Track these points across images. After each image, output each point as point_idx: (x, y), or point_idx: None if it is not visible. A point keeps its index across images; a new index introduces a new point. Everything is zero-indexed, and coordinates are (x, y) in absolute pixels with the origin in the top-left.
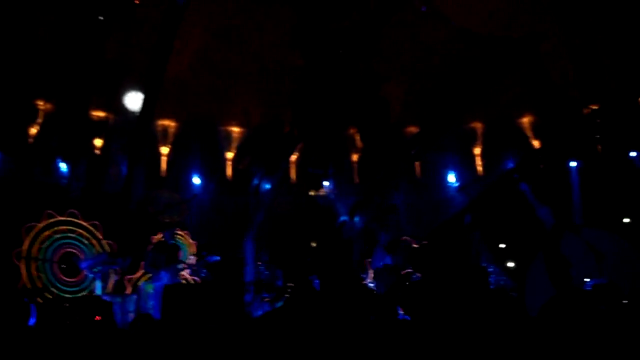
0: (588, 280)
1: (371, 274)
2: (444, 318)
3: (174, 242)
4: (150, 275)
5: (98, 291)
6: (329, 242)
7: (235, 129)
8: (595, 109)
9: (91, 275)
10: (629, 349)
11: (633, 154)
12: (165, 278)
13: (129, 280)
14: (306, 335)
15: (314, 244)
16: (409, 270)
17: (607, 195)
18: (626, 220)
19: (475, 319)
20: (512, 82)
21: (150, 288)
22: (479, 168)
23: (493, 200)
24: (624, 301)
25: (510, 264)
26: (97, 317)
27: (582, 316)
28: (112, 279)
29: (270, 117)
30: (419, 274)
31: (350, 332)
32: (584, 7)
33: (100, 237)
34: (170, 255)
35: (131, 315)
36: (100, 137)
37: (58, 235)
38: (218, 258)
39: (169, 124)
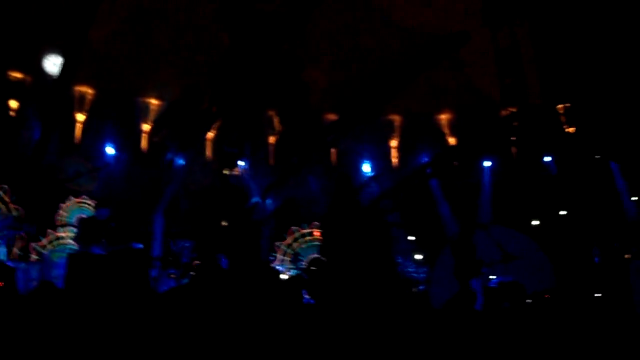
0: (494, 277)
1: (280, 256)
2: (348, 304)
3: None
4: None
5: (2, 256)
6: (239, 222)
7: (154, 101)
8: (513, 112)
9: None
10: (528, 345)
11: (547, 158)
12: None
13: (34, 247)
14: (209, 313)
15: (224, 223)
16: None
17: (519, 197)
18: (535, 222)
19: (379, 307)
20: (433, 78)
21: (56, 257)
22: (394, 160)
23: (405, 193)
24: (528, 300)
25: (419, 257)
26: (0, 283)
27: (486, 312)
28: (18, 244)
29: (189, 91)
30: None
31: (253, 313)
32: (510, 10)
33: (8, 200)
34: (101, 232)
35: (34, 283)
36: (15, 99)
37: None
38: (141, 246)
39: (87, 90)
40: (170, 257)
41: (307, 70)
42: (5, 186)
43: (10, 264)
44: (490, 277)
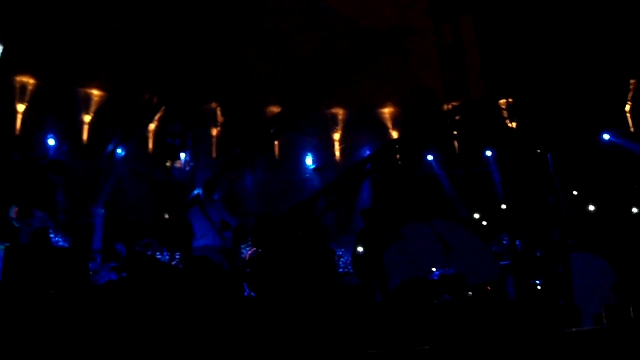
0: (435, 270)
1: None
2: (289, 296)
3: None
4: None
5: None
6: (181, 215)
7: (95, 92)
8: (456, 106)
9: None
10: (470, 338)
11: (489, 153)
12: (38, 219)
13: None
14: (149, 305)
15: (167, 216)
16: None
17: (458, 190)
18: (476, 215)
19: (318, 299)
20: (377, 72)
21: None
22: (337, 153)
23: (344, 187)
24: (469, 293)
25: (360, 249)
26: None
27: (428, 304)
28: None
29: (131, 83)
30: None
31: (194, 306)
32: (455, 5)
33: None
34: (50, 192)
35: None
36: None
37: None
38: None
39: (28, 80)
40: (111, 250)
41: (250, 62)
42: None
43: None
44: (432, 269)
